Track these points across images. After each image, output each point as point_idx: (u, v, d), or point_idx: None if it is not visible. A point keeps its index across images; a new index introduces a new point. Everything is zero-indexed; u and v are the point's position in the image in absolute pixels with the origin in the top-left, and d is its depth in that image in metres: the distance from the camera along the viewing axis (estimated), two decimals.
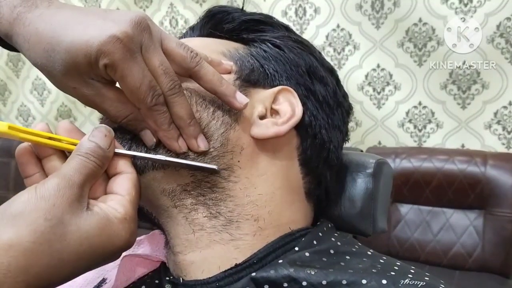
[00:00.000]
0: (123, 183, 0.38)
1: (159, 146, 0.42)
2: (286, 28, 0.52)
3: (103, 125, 0.39)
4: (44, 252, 0.31)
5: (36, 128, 0.37)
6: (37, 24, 0.37)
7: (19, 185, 2.40)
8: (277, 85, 0.46)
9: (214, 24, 0.51)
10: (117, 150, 0.39)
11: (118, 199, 0.37)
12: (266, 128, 0.44)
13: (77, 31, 0.36)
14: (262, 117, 0.45)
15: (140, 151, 0.42)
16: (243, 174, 0.43)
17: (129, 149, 0.42)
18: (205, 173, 0.42)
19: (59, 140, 0.38)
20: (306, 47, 0.50)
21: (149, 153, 0.41)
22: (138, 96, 0.38)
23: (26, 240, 0.30)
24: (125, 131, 0.42)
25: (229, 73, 0.45)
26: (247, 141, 0.44)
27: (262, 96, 0.46)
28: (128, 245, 0.36)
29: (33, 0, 0.39)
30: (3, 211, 0.32)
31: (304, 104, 0.46)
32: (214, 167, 0.42)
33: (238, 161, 0.43)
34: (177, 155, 0.41)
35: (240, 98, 0.42)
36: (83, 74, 0.37)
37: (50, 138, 0.37)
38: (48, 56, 0.37)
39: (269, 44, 0.48)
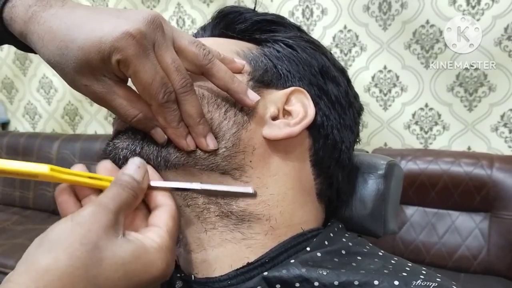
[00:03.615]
0: (161, 216, 0.38)
1: (170, 144, 0.42)
2: (298, 28, 0.52)
3: (137, 157, 0.40)
4: (80, 277, 0.31)
5: (75, 169, 0.38)
6: (51, 22, 0.38)
7: (25, 184, 2.42)
8: (289, 86, 0.46)
9: (226, 24, 0.51)
10: (153, 183, 0.40)
11: (155, 230, 0.37)
12: (279, 129, 0.44)
13: (90, 28, 0.37)
14: (274, 118, 0.45)
15: (152, 151, 0.42)
16: (255, 174, 0.44)
17: (141, 150, 0.42)
18: (216, 173, 0.42)
19: (99, 179, 0.39)
20: (318, 47, 0.50)
21: (161, 152, 0.42)
22: (150, 92, 0.38)
23: (63, 264, 0.30)
24: (136, 131, 0.42)
25: (241, 71, 0.45)
26: (259, 141, 0.44)
27: (275, 97, 0.46)
28: (164, 275, 0.36)
29: (48, 0, 0.39)
30: (41, 239, 0.32)
31: (316, 104, 0.46)
32: (251, 191, 0.42)
33: (250, 161, 0.43)
34: (188, 154, 0.42)
35: (252, 96, 0.42)
36: (95, 71, 0.37)
37: (90, 178, 0.38)
38: (62, 54, 0.37)
39: (282, 44, 0.49)
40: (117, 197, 0.36)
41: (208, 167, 0.42)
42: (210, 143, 0.41)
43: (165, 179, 0.42)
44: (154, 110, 0.40)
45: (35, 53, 0.41)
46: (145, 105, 0.40)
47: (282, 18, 0.52)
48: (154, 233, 0.36)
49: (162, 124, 0.41)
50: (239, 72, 0.45)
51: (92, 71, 0.37)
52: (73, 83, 0.39)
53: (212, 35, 0.53)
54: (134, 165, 0.39)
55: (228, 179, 0.43)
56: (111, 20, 0.37)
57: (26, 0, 0.39)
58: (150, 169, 0.41)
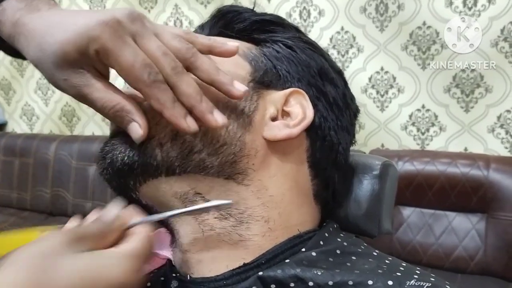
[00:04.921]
0: (131, 239, 0.37)
1: (148, 142, 0.41)
2: (296, 29, 0.52)
3: (113, 203, 0.38)
4: (32, 282, 0.30)
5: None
6: (35, 22, 0.38)
7: (23, 184, 2.41)
8: (288, 87, 0.46)
9: (225, 23, 0.51)
10: (132, 222, 0.38)
11: (120, 245, 0.36)
12: (278, 130, 0.44)
13: (69, 23, 0.37)
14: (273, 119, 0.45)
15: (151, 154, 0.42)
16: (256, 176, 0.44)
17: (138, 156, 0.42)
18: (220, 178, 0.43)
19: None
20: (316, 48, 0.50)
21: (162, 158, 0.41)
22: (134, 75, 0.37)
23: (13, 275, 0.30)
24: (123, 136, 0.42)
25: (235, 53, 0.42)
26: (261, 143, 0.44)
27: (274, 98, 0.46)
28: (127, 278, 0.34)
29: (36, 4, 0.40)
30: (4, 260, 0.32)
31: (315, 106, 0.46)
32: (229, 201, 0.41)
33: (253, 164, 0.43)
34: (197, 163, 0.41)
35: (238, 86, 0.40)
36: (73, 64, 0.37)
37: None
38: (42, 49, 0.37)
39: (281, 45, 0.49)
40: (82, 227, 0.35)
41: (214, 174, 0.42)
42: (218, 117, 0.39)
43: (166, 183, 0.43)
44: (144, 94, 0.38)
45: (24, 58, 0.41)
46: (123, 98, 0.39)
47: (281, 18, 0.52)
48: (117, 247, 0.36)
49: (157, 106, 0.38)
50: (233, 54, 0.42)
51: (70, 64, 0.37)
52: (52, 78, 0.39)
53: (211, 33, 0.52)
54: (110, 212, 0.37)
55: (231, 184, 0.43)
56: (88, 14, 0.37)
57: (15, 4, 0.40)
58: (131, 207, 0.39)
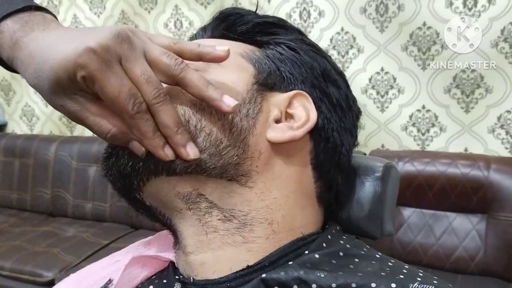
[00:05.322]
0: None
1: (150, 154, 0.41)
2: (299, 31, 0.52)
3: None
4: None
5: None
6: (30, 46, 0.38)
7: (23, 185, 2.41)
8: (292, 89, 0.47)
9: (227, 25, 0.51)
10: None
11: None
12: (282, 132, 0.44)
13: (59, 49, 0.37)
14: (277, 121, 0.45)
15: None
16: (260, 179, 0.44)
17: (143, 158, 0.42)
18: (223, 180, 0.42)
19: None
20: (319, 50, 0.50)
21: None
22: (118, 105, 0.37)
23: None
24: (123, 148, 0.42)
25: (225, 58, 0.42)
26: (265, 145, 0.44)
27: (278, 100, 0.46)
28: None
29: (31, 25, 0.40)
30: None
31: (318, 107, 0.46)
32: None
33: (256, 166, 0.43)
34: (168, 164, 0.41)
35: (228, 101, 0.40)
36: (66, 90, 0.37)
37: None
38: (38, 76, 0.38)
39: (284, 47, 0.49)
40: None
41: (217, 175, 0.42)
42: (190, 152, 0.40)
43: (167, 183, 0.43)
44: (127, 122, 0.39)
45: None
46: (118, 120, 0.39)
47: (284, 21, 0.52)
48: None
49: (137, 136, 0.40)
50: (224, 59, 0.42)
51: (64, 91, 0.37)
52: (52, 104, 0.39)
53: (213, 35, 0.53)
54: None
55: (235, 185, 0.43)
56: (78, 38, 0.37)
57: (12, 26, 0.39)
58: None
